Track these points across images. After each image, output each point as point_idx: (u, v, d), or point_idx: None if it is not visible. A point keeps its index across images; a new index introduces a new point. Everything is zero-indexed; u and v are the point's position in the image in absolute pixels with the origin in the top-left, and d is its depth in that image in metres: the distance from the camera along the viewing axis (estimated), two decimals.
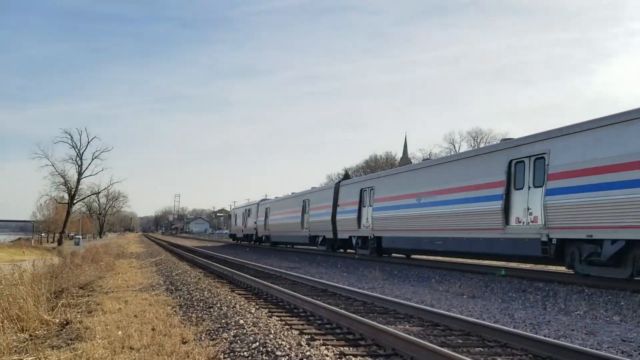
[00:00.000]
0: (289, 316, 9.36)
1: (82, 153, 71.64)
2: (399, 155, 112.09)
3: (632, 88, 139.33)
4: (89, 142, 72.73)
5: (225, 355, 6.47)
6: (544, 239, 14.28)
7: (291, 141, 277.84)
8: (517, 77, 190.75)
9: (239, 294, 12.26)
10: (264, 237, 45.01)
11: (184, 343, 7.26)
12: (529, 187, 15.26)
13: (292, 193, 39.84)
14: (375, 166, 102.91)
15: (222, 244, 61.86)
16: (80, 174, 72.18)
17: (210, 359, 6.36)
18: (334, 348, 6.66)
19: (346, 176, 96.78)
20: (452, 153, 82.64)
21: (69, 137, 70.68)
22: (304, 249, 35.50)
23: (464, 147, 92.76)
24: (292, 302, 10.64)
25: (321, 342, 6.99)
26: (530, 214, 15.06)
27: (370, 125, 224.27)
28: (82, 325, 8.62)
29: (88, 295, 13.22)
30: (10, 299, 9.58)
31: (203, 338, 7.60)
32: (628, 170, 12.11)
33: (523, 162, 15.58)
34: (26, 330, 8.72)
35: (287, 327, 8.10)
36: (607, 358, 5.81)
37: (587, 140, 13.37)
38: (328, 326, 8.32)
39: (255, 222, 47.31)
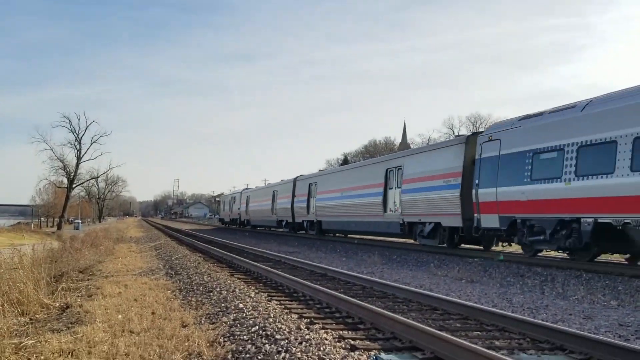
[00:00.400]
0: (288, 300, 9.39)
1: (81, 137, 71.46)
2: (398, 140, 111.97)
3: (630, 72, 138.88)
4: (87, 127, 72.51)
5: (225, 339, 6.51)
6: (401, 222, 21.90)
7: (291, 126, 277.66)
8: (516, 62, 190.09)
9: (238, 278, 12.31)
10: (245, 221, 52.96)
11: (184, 327, 7.29)
12: (395, 188, 22.81)
13: (267, 184, 49.39)
14: (374, 151, 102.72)
15: (222, 228, 62.00)
16: (79, 158, 72.04)
17: (210, 342, 6.39)
18: (333, 332, 6.69)
19: (345, 161, 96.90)
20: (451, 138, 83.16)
21: (68, 121, 70.47)
22: (303, 234, 35.85)
23: (463, 133, 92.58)
24: (292, 286, 10.68)
25: (320, 325, 7.02)
26: (395, 205, 22.59)
27: (370, 110, 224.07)
28: (82, 309, 8.65)
29: (88, 280, 13.27)
30: (11, 283, 9.61)
31: (203, 322, 7.64)
32: (435, 179, 19.56)
33: (393, 170, 23.26)
34: (26, 314, 8.76)
35: (286, 311, 8.14)
36: (604, 342, 5.85)
37: (420, 159, 21.58)
38: (327, 310, 8.36)
39: (239, 208, 55.51)
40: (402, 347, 6.03)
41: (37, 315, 8.75)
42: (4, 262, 12.13)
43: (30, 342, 6.53)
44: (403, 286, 10.70)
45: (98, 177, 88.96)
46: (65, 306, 9.30)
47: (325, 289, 9.69)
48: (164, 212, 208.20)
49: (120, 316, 7.96)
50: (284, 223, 39.33)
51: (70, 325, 7.73)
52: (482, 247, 19.21)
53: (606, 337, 6.45)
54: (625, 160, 11.90)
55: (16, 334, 7.10)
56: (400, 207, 21.92)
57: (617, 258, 16.29)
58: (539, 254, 16.24)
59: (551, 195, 14.01)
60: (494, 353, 5.08)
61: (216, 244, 26.94)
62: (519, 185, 15.01)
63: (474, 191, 16.93)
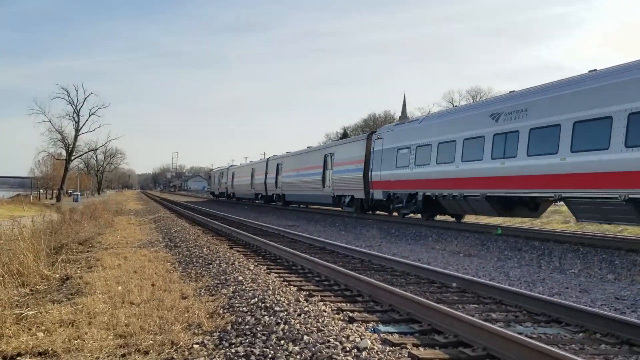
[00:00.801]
0: (287, 273, 9.45)
1: (79, 109, 71.18)
2: (398, 114, 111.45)
3: (630, 46, 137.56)
4: (85, 99, 72.31)
5: (225, 311, 6.56)
6: (333, 195, 29.38)
7: (290, 99, 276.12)
8: (517, 35, 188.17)
9: (237, 251, 12.36)
10: (231, 194, 60.96)
11: (184, 298, 7.35)
12: (330, 169, 30.14)
13: (249, 162, 58.69)
14: (374, 125, 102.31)
15: (215, 200, 62.18)
16: (77, 130, 71.85)
17: (209, 313, 6.44)
18: (331, 304, 6.75)
19: (344, 135, 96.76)
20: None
21: (66, 93, 70.10)
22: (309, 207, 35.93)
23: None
24: (291, 260, 10.73)
25: (319, 298, 7.08)
26: (330, 182, 29.96)
27: (370, 83, 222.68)
28: (82, 281, 8.70)
29: (87, 252, 13.33)
30: (11, 254, 9.65)
31: (202, 294, 7.70)
32: (350, 164, 26.89)
33: (328, 156, 30.68)
34: (27, 285, 8.81)
35: (285, 283, 8.19)
36: (600, 315, 5.91)
37: (344, 148, 29.13)
38: (326, 283, 8.42)
39: (226, 183, 63.25)
40: (399, 319, 6.09)
41: (37, 287, 8.79)
42: (4, 233, 12.16)
43: (31, 312, 6.58)
44: (401, 259, 10.77)
45: (97, 150, 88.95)
46: (65, 277, 9.35)
47: (323, 262, 9.75)
48: (163, 185, 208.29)
49: (120, 288, 8.01)
50: (259, 196, 46.85)
51: (70, 296, 7.78)
52: (386, 213, 25.73)
53: (602, 310, 6.51)
54: (433, 156, 19.44)
55: (17, 305, 7.15)
56: (332, 184, 29.54)
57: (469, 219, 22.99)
58: (537, 227, 16.40)
59: (404, 177, 21.50)
60: (490, 325, 5.13)
61: (215, 216, 27.03)
62: (391, 170, 22.47)
63: (370, 173, 24.49)
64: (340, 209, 28.86)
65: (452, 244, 14.91)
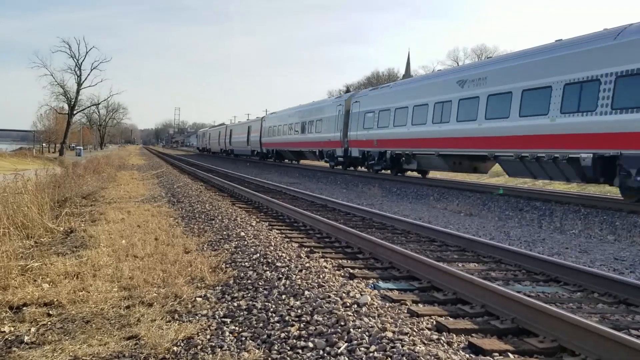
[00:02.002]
0: (288, 230, 9.52)
1: (81, 63, 70.66)
2: (402, 71, 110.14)
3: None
4: (87, 52, 71.76)
5: (227, 265, 6.65)
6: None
7: (293, 55, 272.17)
8: None
9: (239, 207, 12.42)
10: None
11: (187, 253, 7.43)
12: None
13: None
14: (376, 83, 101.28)
15: (221, 156, 62.25)
16: (79, 84, 71.46)
17: (212, 268, 6.53)
18: (332, 261, 6.83)
19: (347, 92, 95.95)
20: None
21: (67, 46, 69.47)
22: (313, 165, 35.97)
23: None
24: (292, 216, 10.79)
25: (320, 254, 7.15)
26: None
27: (374, 40, 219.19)
28: (86, 234, 8.79)
29: (91, 205, 13.41)
30: (15, 207, 9.71)
31: (205, 248, 7.78)
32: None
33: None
34: (31, 237, 8.90)
35: (287, 240, 8.26)
36: (598, 275, 5.97)
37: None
38: (327, 240, 8.48)
39: (208, 141, 74.61)
40: (399, 277, 6.17)
41: (41, 239, 8.89)
42: (8, 186, 12.21)
43: (36, 264, 6.67)
44: (402, 218, 10.83)
45: (99, 104, 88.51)
46: (69, 230, 9.44)
47: (325, 219, 9.81)
48: (166, 141, 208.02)
49: (124, 241, 8.10)
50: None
51: (74, 249, 7.87)
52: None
53: (600, 270, 6.58)
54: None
55: (22, 257, 7.23)
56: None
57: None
58: (540, 188, 16.46)
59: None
60: (488, 282, 5.19)
61: (217, 172, 27.07)
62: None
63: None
64: (341, 167, 30.03)
65: (453, 203, 14.96)
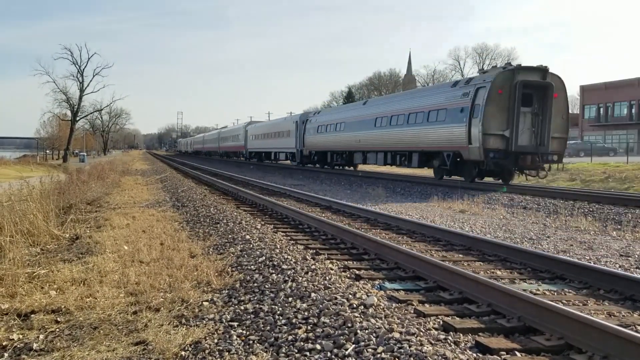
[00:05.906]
0: (294, 232, 9.53)
1: (83, 69, 70.87)
2: (403, 72, 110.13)
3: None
4: (89, 58, 71.89)
5: (233, 269, 6.66)
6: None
7: (294, 58, 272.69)
8: None
9: (244, 211, 12.44)
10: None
11: (192, 257, 7.45)
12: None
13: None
14: (378, 84, 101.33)
15: (226, 161, 62.34)
16: (81, 90, 71.68)
17: (218, 272, 6.54)
18: (338, 262, 6.84)
19: (349, 93, 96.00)
20: (457, 70, 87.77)
21: (69, 53, 69.74)
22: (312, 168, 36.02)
23: (469, 64, 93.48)
24: (297, 219, 10.80)
25: (326, 256, 7.16)
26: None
27: (375, 42, 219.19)
28: (92, 240, 8.82)
29: (96, 211, 13.45)
30: (21, 214, 9.75)
31: (211, 252, 7.80)
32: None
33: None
34: (37, 244, 8.93)
35: (292, 242, 8.27)
36: (604, 271, 5.96)
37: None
38: (332, 241, 8.49)
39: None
40: (405, 277, 6.17)
41: (47, 246, 8.92)
42: (14, 194, 12.26)
43: (43, 271, 6.70)
44: (407, 218, 10.83)
45: (102, 110, 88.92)
46: (75, 237, 9.48)
47: (330, 220, 9.82)
48: (169, 145, 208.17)
49: (129, 247, 8.12)
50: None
51: (80, 255, 7.90)
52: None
53: (606, 267, 6.57)
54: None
55: (29, 264, 7.27)
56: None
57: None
58: (545, 185, 16.40)
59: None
60: (494, 282, 5.19)
61: (221, 176, 27.12)
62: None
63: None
64: (345, 167, 35.43)
65: (457, 202, 14.95)
